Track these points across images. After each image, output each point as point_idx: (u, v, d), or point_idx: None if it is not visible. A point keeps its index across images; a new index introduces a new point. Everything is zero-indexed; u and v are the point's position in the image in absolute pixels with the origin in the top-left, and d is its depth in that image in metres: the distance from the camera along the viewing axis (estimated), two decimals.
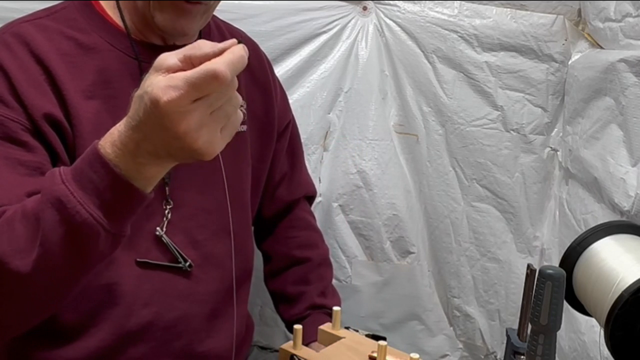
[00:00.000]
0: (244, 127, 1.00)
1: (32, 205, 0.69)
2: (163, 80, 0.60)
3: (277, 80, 1.15)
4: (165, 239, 0.90)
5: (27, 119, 0.79)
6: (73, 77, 0.83)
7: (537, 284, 0.66)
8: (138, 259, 0.88)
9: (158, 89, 0.59)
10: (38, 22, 0.87)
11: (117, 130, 0.65)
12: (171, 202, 0.90)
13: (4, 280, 0.69)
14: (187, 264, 0.91)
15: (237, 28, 1.11)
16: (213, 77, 0.59)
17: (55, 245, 0.67)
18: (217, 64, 0.59)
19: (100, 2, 0.90)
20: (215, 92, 0.61)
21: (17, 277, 0.68)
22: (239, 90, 1.00)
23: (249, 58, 1.05)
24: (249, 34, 1.13)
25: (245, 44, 1.07)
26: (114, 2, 0.90)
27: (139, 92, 0.62)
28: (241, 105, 1.00)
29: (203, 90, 0.60)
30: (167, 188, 0.90)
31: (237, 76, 1.02)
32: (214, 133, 0.63)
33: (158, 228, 0.89)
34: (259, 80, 1.07)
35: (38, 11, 0.90)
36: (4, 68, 0.80)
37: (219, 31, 1.03)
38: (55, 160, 0.82)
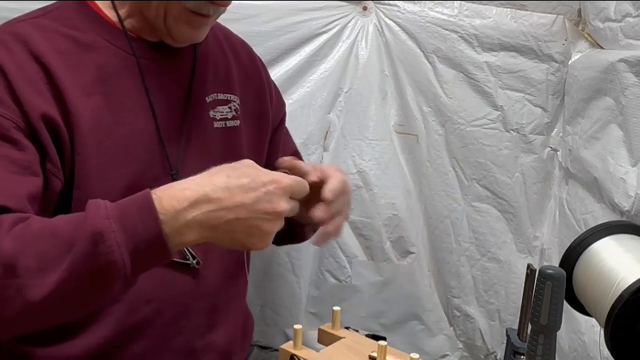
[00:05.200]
0: (237, 122, 1.00)
1: (67, 229, 0.70)
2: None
3: (272, 82, 1.15)
4: None
5: (22, 118, 0.79)
6: (72, 75, 0.83)
7: (537, 284, 0.66)
8: None
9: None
10: (34, 22, 0.87)
11: (182, 186, 0.72)
12: None
13: (19, 295, 0.69)
14: (195, 261, 0.91)
15: (226, 28, 1.10)
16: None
17: (79, 274, 0.68)
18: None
19: (96, 1, 0.90)
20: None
21: (33, 295, 0.68)
22: (233, 87, 1.01)
23: (241, 57, 1.07)
24: (249, 34, 1.13)
25: (236, 43, 1.09)
26: (110, 1, 0.90)
27: (257, 179, 0.73)
28: (233, 101, 1.01)
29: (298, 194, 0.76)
30: None
31: (231, 74, 1.03)
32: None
33: None
34: (251, 77, 1.07)
35: (33, 11, 0.90)
36: (2, 67, 0.80)
37: (211, 31, 1.03)
38: (44, 160, 0.81)
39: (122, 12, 0.90)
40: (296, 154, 1.19)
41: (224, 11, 0.91)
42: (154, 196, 0.70)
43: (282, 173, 0.76)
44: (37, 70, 0.82)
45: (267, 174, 0.74)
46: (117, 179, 0.85)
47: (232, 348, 0.99)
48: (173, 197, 0.71)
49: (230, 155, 0.99)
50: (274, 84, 1.16)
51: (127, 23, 0.90)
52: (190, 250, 0.91)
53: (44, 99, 0.81)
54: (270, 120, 1.09)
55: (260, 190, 0.72)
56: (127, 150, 0.86)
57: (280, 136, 1.15)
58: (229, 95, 1.00)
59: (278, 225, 0.74)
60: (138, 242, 0.69)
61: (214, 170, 0.74)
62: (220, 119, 0.98)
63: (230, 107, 1.00)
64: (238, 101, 1.01)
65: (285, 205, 0.73)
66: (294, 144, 1.22)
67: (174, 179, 0.90)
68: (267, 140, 1.09)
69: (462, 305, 1.45)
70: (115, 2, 0.89)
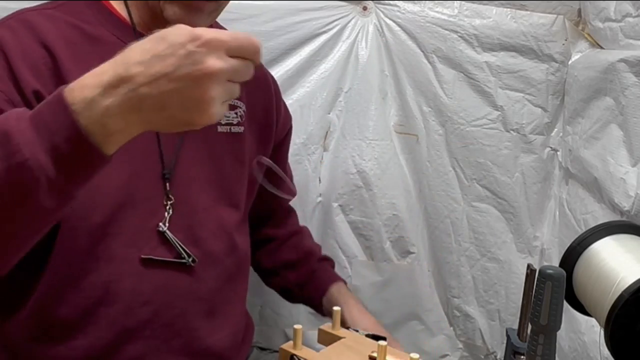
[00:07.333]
0: (242, 129, 1.01)
1: None
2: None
3: (281, 100, 1.15)
4: (169, 235, 0.89)
5: (16, 92, 0.79)
6: (78, 65, 0.84)
7: (537, 284, 0.66)
8: (142, 256, 0.87)
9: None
10: (44, 12, 0.88)
11: (94, 72, 0.63)
12: (172, 198, 0.90)
13: None
14: (191, 259, 0.91)
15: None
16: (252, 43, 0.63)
17: None
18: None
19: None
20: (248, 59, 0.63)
21: None
22: (241, 94, 1.02)
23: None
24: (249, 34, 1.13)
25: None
26: None
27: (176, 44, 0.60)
28: (239, 107, 1.02)
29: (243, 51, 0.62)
30: (167, 184, 0.90)
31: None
32: (225, 106, 0.63)
33: (160, 224, 0.89)
34: (260, 88, 1.07)
35: (43, 3, 0.91)
36: (3, 48, 0.81)
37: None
38: None
39: (134, 7, 0.91)
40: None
41: (222, 3, 0.90)
42: (65, 89, 0.62)
43: (208, 28, 0.61)
44: (43, 56, 0.82)
45: (186, 33, 0.60)
46: (107, 176, 0.84)
47: (230, 352, 0.99)
48: (85, 85, 0.62)
49: (232, 159, 1.00)
50: (284, 103, 1.17)
51: (137, 18, 0.91)
52: (185, 248, 0.91)
53: (42, 82, 0.81)
54: (274, 131, 1.10)
55: (178, 54, 0.59)
56: (122, 147, 0.86)
57: (286, 149, 1.17)
58: (236, 101, 1.00)
59: (217, 88, 0.60)
60: (53, 140, 0.61)
61: (133, 45, 0.62)
62: (226, 124, 0.98)
63: (236, 113, 1.00)
64: (244, 108, 1.02)
65: (217, 63, 0.59)
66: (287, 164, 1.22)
67: (166, 179, 0.90)
68: (270, 147, 1.10)
69: (462, 305, 1.45)
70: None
